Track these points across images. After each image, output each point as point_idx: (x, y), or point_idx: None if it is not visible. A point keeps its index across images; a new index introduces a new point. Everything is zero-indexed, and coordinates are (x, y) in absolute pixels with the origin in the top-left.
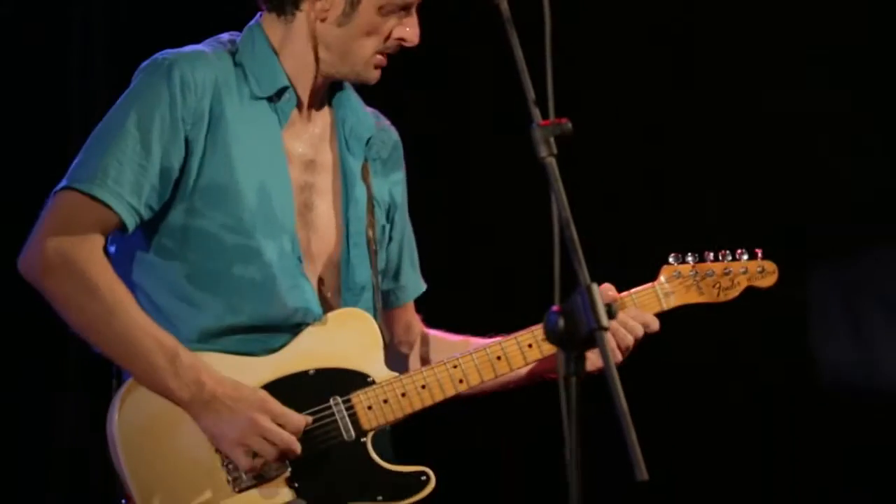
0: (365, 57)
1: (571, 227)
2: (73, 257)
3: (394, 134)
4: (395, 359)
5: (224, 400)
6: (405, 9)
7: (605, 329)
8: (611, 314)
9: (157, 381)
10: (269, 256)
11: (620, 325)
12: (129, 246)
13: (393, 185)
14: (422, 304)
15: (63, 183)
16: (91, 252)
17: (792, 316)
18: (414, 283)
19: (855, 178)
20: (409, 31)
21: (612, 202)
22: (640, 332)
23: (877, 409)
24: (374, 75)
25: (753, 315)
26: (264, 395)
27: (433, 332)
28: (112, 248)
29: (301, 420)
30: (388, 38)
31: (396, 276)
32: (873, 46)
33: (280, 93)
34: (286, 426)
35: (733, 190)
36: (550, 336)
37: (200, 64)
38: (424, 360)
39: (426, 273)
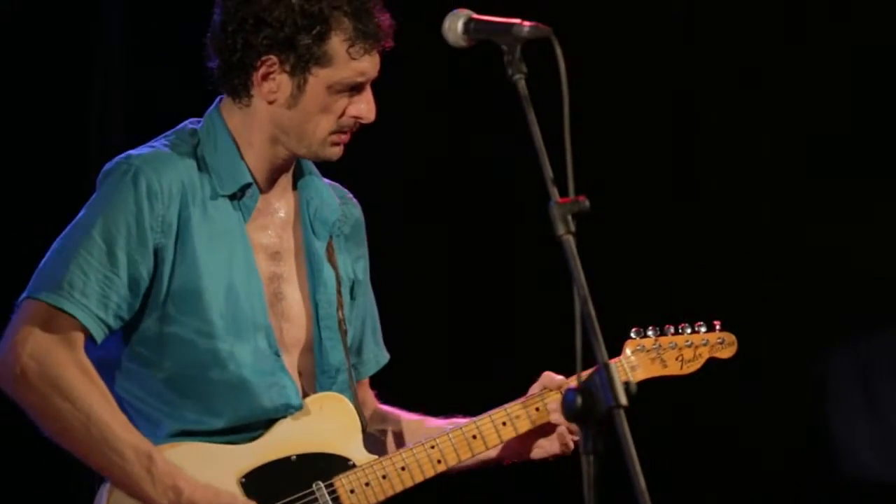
0: (320, 136)
1: (590, 304)
2: (48, 362)
3: (356, 209)
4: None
5: None
6: (355, 88)
7: (624, 407)
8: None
9: (133, 488)
10: (243, 358)
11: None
12: (104, 353)
13: (355, 261)
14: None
15: (29, 292)
16: (67, 358)
17: (808, 394)
18: (375, 356)
19: (872, 254)
20: (363, 107)
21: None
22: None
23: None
24: (332, 153)
25: (767, 391)
26: (245, 499)
27: (391, 409)
28: (89, 355)
29: None
30: (342, 115)
31: (359, 351)
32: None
33: (243, 189)
34: None
35: (747, 264)
36: (568, 414)
37: (166, 169)
38: (391, 437)
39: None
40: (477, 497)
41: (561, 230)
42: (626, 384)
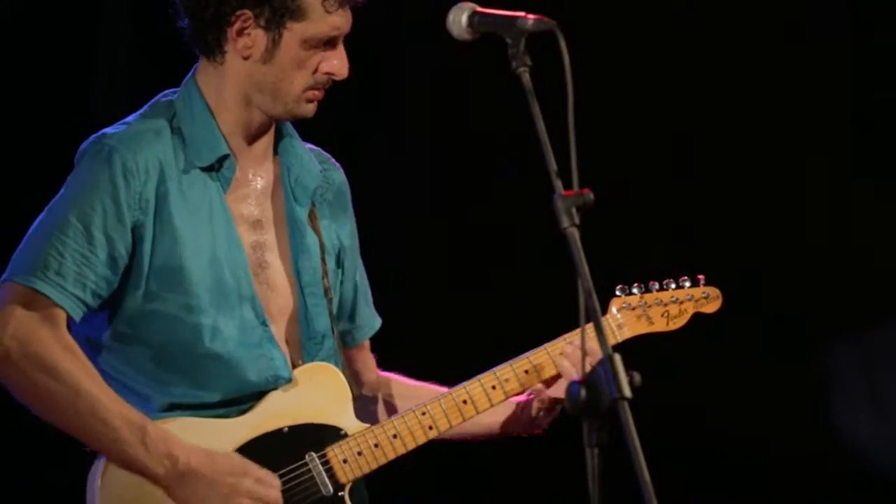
0: (295, 93)
1: (594, 297)
2: (30, 342)
3: (339, 174)
4: (356, 401)
5: (201, 470)
6: (329, 42)
7: (628, 399)
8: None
9: (128, 459)
10: (230, 332)
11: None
12: (91, 332)
13: (340, 227)
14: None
15: (6, 275)
16: (48, 336)
17: (811, 387)
18: (369, 321)
19: (875, 246)
20: (336, 63)
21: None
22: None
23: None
24: (307, 110)
25: (771, 385)
26: (242, 459)
27: (390, 375)
28: (75, 335)
29: (278, 481)
30: (316, 71)
31: (352, 316)
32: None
33: (220, 161)
34: (269, 486)
35: (750, 257)
36: (573, 407)
37: (141, 146)
38: (387, 404)
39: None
40: (484, 490)
41: (565, 223)
42: (631, 376)
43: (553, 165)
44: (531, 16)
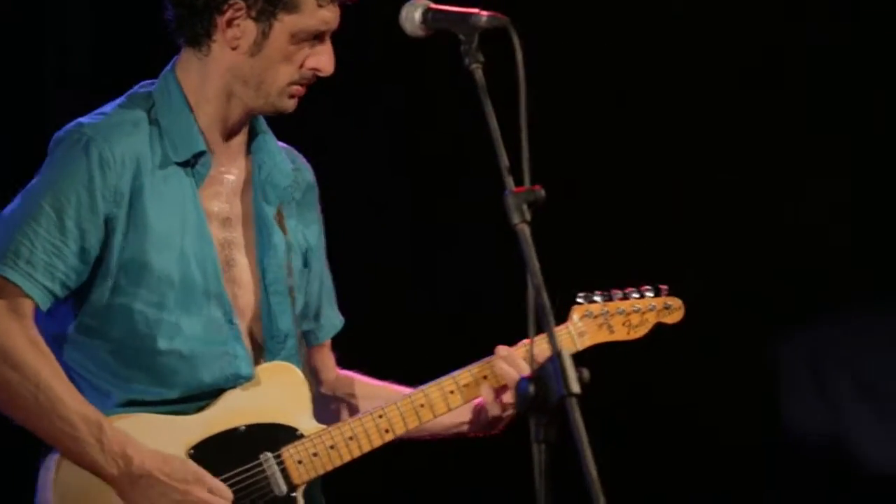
0: (279, 86)
1: (543, 293)
2: None
3: (308, 174)
4: (316, 400)
5: (154, 474)
6: (318, 37)
7: (576, 396)
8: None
9: (83, 457)
10: (194, 329)
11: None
12: (54, 325)
13: (307, 227)
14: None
15: None
16: (13, 327)
17: (760, 381)
18: (332, 321)
19: (824, 242)
20: (323, 59)
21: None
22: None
23: (845, 476)
24: (289, 104)
25: (720, 379)
26: (196, 466)
27: (349, 374)
28: (39, 328)
29: (230, 493)
30: (301, 66)
31: (317, 316)
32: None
33: (196, 157)
34: (221, 497)
35: (699, 253)
36: (521, 403)
37: (118, 138)
38: (345, 403)
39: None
40: (430, 488)
41: (516, 219)
42: (580, 373)
43: (505, 162)
44: (485, 13)
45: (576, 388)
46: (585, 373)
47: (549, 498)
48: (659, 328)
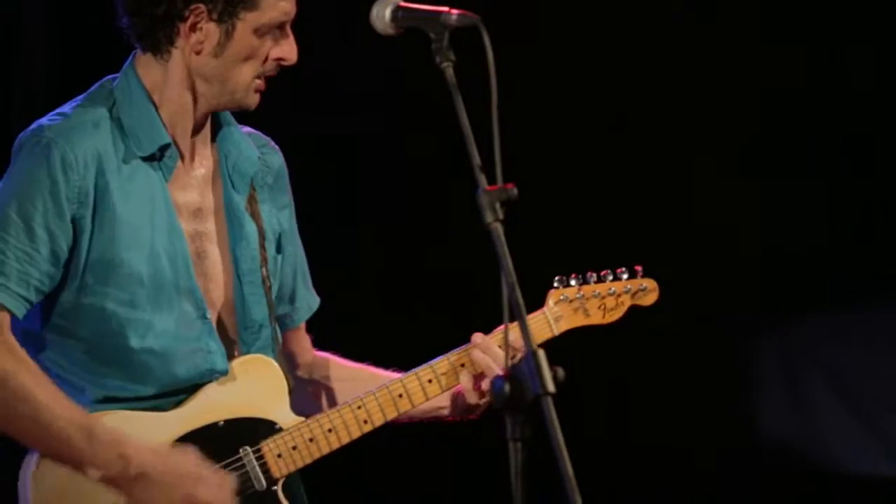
0: (245, 83)
1: (517, 291)
2: None
3: (277, 156)
4: (296, 385)
5: (155, 474)
6: (280, 27)
7: (551, 394)
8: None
9: (78, 462)
10: (166, 325)
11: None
12: (25, 324)
13: (280, 211)
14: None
15: None
16: None
17: (731, 381)
18: (307, 302)
19: (796, 242)
20: (287, 49)
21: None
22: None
23: (820, 476)
24: (254, 100)
25: (693, 379)
26: (198, 460)
27: (326, 356)
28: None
29: (233, 483)
30: (265, 60)
31: (292, 299)
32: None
33: (162, 150)
34: (224, 488)
35: (672, 250)
36: (496, 401)
37: (80, 138)
38: (322, 385)
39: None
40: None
41: (489, 218)
42: (555, 371)
43: (477, 160)
44: (455, 11)
45: (551, 387)
46: (560, 372)
47: (525, 496)
48: (634, 311)
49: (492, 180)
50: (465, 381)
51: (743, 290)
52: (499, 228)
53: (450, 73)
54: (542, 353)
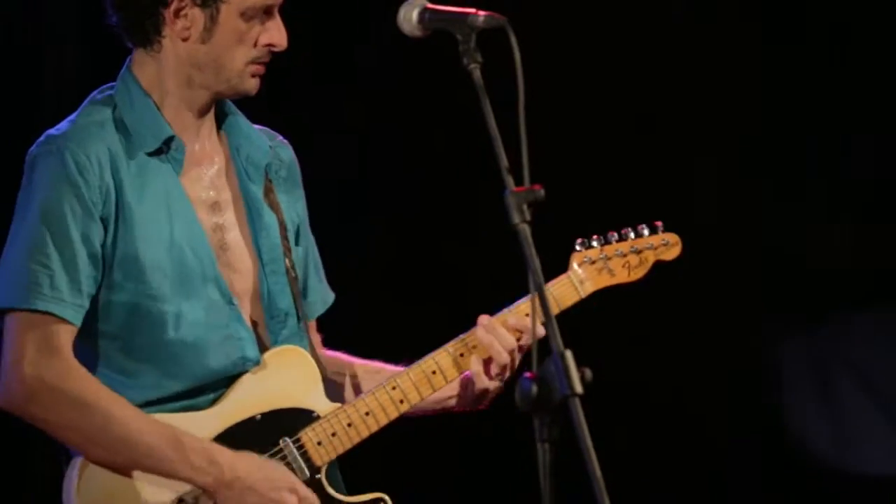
0: (238, 68)
1: (545, 292)
2: (51, 377)
3: (288, 150)
4: None
5: (247, 480)
6: (267, 11)
7: (579, 395)
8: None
9: (174, 475)
10: (195, 316)
11: (495, 338)
12: None
13: (295, 203)
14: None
15: (3, 304)
16: (65, 367)
17: (763, 383)
18: (322, 296)
19: (828, 244)
20: (275, 34)
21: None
22: (511, 343)
23: (845, 479)
24: (251, 84)
25: (723, 379)
26: (290, 474)
27: (336, 354)
28: None
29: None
30: (256, 44)
31: (304, 292)
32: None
33: (167, 143)
34: (312, 499)
35: (700, 251)
36: (523, 403)
37: (89, 140)
38: (334, 383)
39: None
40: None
41: (516, 219)
42: (582, 372)
43: (504, 162)
44: (482, 12)
45: (579, 388)
46: (588, 372)
47: (554, 497)
48: (658, 266)
49: (518, 182)
50: (475, 364)
51: (773, 291)
52: (526, 230)
53: (477, 74)
54: (569, 354)
